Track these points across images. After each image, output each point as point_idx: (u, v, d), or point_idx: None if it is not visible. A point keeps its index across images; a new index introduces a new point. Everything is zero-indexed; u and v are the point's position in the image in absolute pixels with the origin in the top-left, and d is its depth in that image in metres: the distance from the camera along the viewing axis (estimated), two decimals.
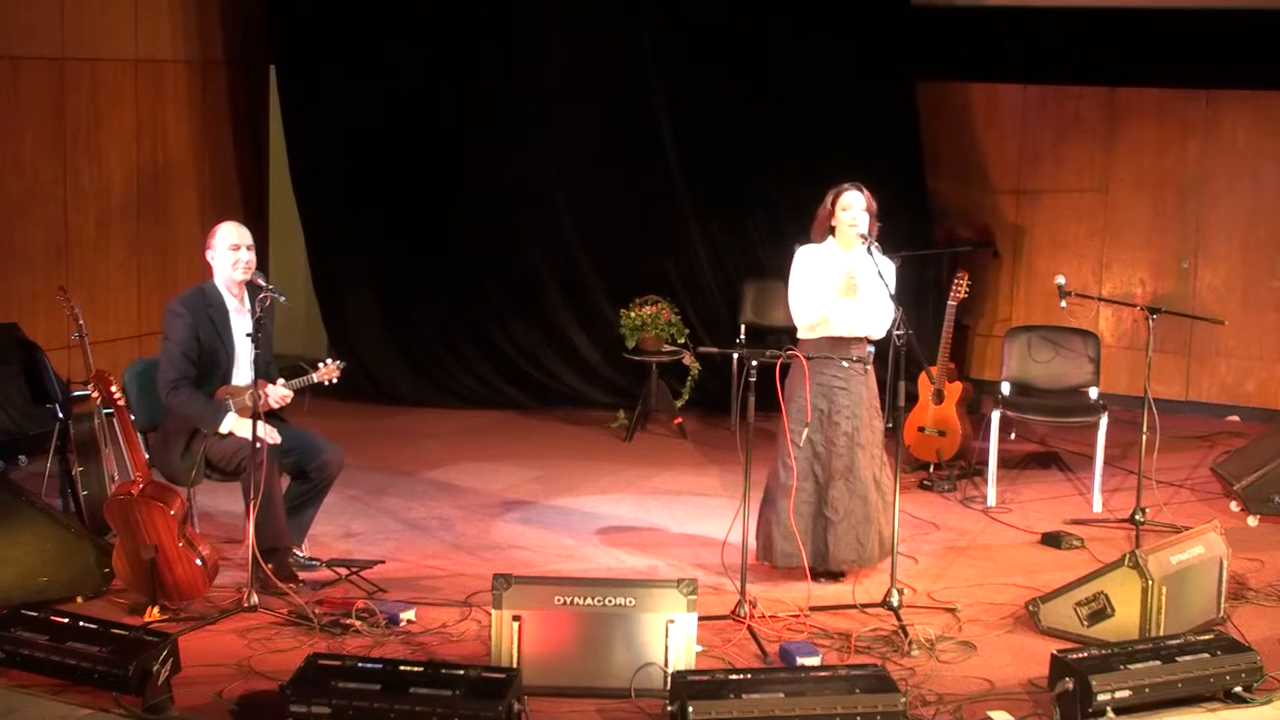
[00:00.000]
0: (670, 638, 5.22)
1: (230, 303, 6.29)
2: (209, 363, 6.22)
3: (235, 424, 6.19)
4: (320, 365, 6.34)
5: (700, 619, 5.40)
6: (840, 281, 6.25)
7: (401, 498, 7.62)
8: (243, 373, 6.27)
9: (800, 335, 6.36)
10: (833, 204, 6.32)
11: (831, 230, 6.35)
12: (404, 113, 9.60)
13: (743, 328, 9.24)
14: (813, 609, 6.00)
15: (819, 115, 9.31)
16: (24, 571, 5.88)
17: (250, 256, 6.27)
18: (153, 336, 6.39)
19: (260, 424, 5.95)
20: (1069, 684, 5.01)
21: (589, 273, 9.68)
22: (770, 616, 5.92)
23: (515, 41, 9.49)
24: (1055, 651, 5.22)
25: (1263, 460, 7.43)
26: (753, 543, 6.27)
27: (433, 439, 8.90)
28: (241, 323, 6.28)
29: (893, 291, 6.19)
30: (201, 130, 9.73)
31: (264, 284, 6.15)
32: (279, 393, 6.24)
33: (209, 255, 6.29)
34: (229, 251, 6.23)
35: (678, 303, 9.30)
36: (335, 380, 6.37)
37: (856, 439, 6.34)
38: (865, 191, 6.31)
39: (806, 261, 6.35)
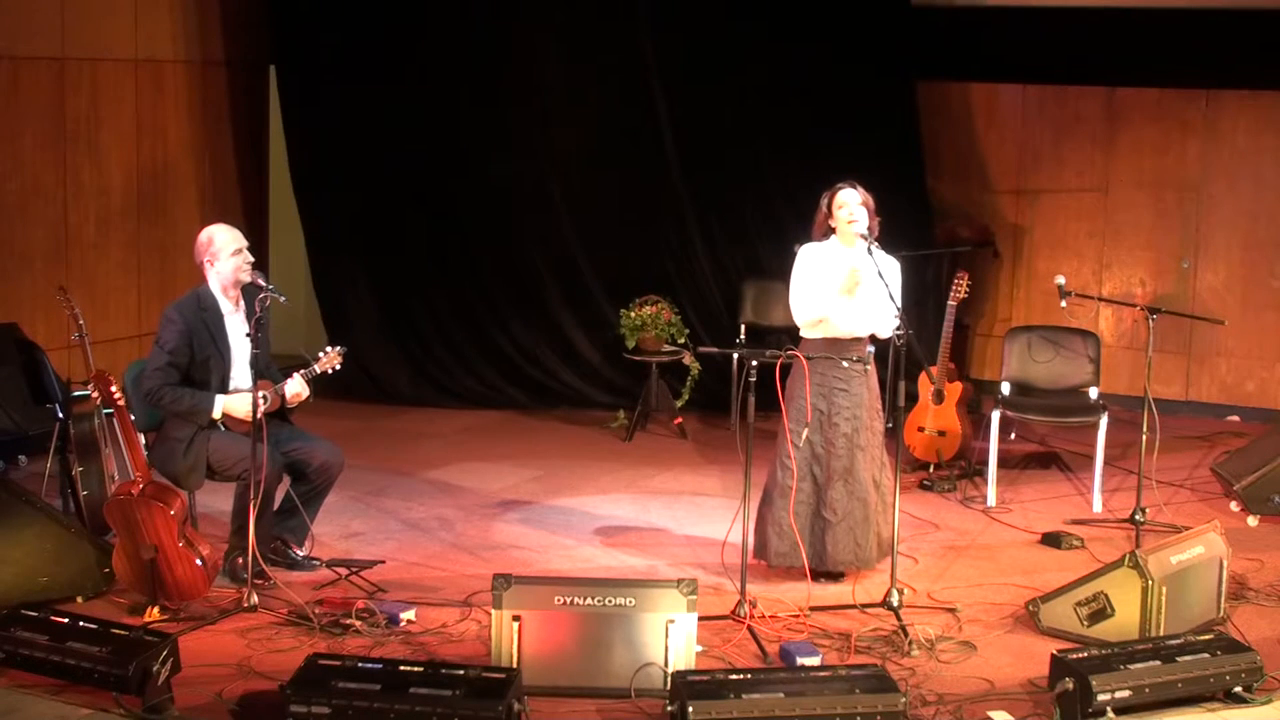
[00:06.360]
0: (670, 638, 5.22)
1: (225, 306, 6.27)
2: (204, 368, 6.20)
3: (227, 403, 6.18)
4: (321, 354, 6.34)
5: (700, 619, 5.40)
6: (842, 279, 6.24)
7: (401, 498, 7.62)
8: (241, 375, 6.26)
9: (802, 334, 6.36)
10: (829, 204, 6.32)
11: (831, 230, 6.36)
12: (404, 113, 9.60)
13: (743, 328, 9.24)
14: (813, 609, 6.00)
15: (819, 115, 9.31)
16: (24, 571, 5.88)
17: (250, 256, 6.28)
18: (152, 337, 6.37)
19: (260, 399, 5.95)
20: (1069, 684, 5.01)
21: (589, 273, 9.68)
22: (770, 616, 5.92)
23: (515, 42, 9.49)
24: (1055, 651, 5.22)
25: (1263, 460, 7.42)
26: (752, 541, 6.27)
27: (433, 439, 8.90)
28: (237, 325, 6.27)
29: (897, 290, 6.19)
30: (201, 130, 9.73)
31: (264, 284, 6.15)
32: (294, 387, 6.24)
33: (206, 260, 6.24)
34: (234, 256, 6.21)
35: (678, 303, 9.30)
36: (338, 367, 6.37)
37: (856, 440, 6.33)
38: (860, 188, 6.30)
39: (808, 259, 6.35)
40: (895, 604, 5.95)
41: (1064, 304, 7.37)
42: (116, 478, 6.78)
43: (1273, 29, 9.15)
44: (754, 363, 5.92)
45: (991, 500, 7.65)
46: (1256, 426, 9.07)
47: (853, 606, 6.08)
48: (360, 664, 4.99)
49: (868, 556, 6.37)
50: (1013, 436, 8.68)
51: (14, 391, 7.79)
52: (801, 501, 6.31)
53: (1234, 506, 7.51)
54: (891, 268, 6.25)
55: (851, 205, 6.26)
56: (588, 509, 7.52)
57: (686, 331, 9.18)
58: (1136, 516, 7.15)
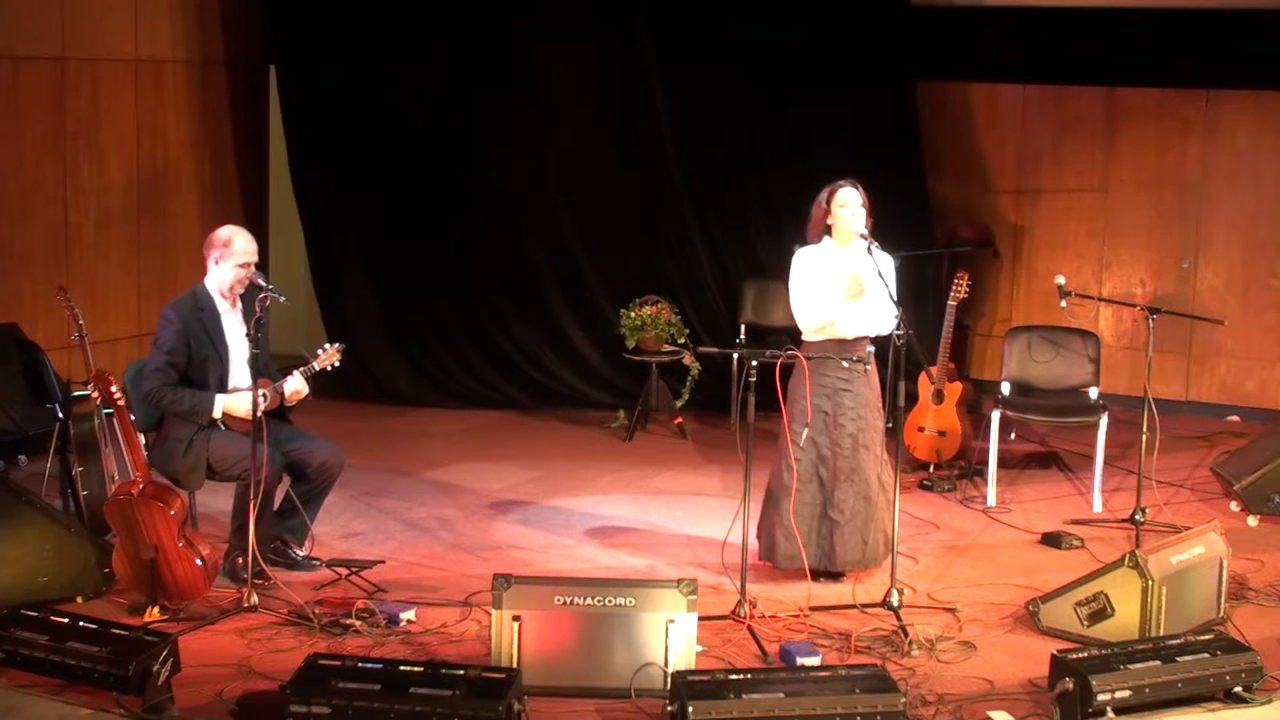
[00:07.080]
0: (670, 638, 5.22)
1: (221, 305, 6.26)
2: (202, 368, 6.20)
3: (227, 403, 6.17)
4: (320, 351, 6.33)
5: (700, 619, 5.40)
6: (846, 283, 6.24)
7: (401, 498, 7.62)
8: (239, 374, 6.26)
9: (805, 337, 6.36)
10: (828, 202, 6.33)
11: (828, 230, 6.36)
12: (404, 113, 9.60)
13: (743, 328, 9.25)
14: (813, 609, 6.00)
15: (819, 115, 9.31)
16: (24, 571, 5.88)
17: (254, 270, 6.25)
18: (151, 337, 6.37)
19: (260, 398, 5.94)
20: (1069, 684, 5.01)
21: (589, 273, 9.68)
22: (770, 616, 5.91)
23: (515, 42, 9.49)
24: (1055, 651, 5.22)
25: (1263, 460, 7.42)
26: (753, 543, 6.27)
27: (433, 439, 8.90)
28: (234, 324, 6.27)
29: (894, 289, 6.20)
30: (201, 130, 9.73)
31: (264, 284, 6.14)
32: (294, 385, 6.24)
33: (214, 256, 6.23)
34: (238, 268, 6.19)
35: (678, 303, 9.30)
36: (337, 364, 6.36)
37: (861, 440, 6.34)
38: (860, 187, 6.31)
39: (806, 264, 6.35)
40: (895, 604, 5.95)
41: (1064, 304, 7.37)
42: (116, 478, 6.78)
43: (1273, 29, 9.15)
44: (754, 363, 5.92)
45: (991, 500, 7.65)
46: (1256, 426, 9.07)
47: (853, 606, 6.08)
48: (360, 664, 4.99)
49: (875, 555, 6.38)
50: (1013, 436, 8.68)
51: (14, 391, 7.78)
52: (807, 503, 6.31)
53: (1234, 506, 7.51)
54: (888, 266, 6.26)
55: (853, 204, 6.27)
56: (587, 509, 7.52)
57: (686, 331, 9.18)
58: (1136, 516, 7.15)
